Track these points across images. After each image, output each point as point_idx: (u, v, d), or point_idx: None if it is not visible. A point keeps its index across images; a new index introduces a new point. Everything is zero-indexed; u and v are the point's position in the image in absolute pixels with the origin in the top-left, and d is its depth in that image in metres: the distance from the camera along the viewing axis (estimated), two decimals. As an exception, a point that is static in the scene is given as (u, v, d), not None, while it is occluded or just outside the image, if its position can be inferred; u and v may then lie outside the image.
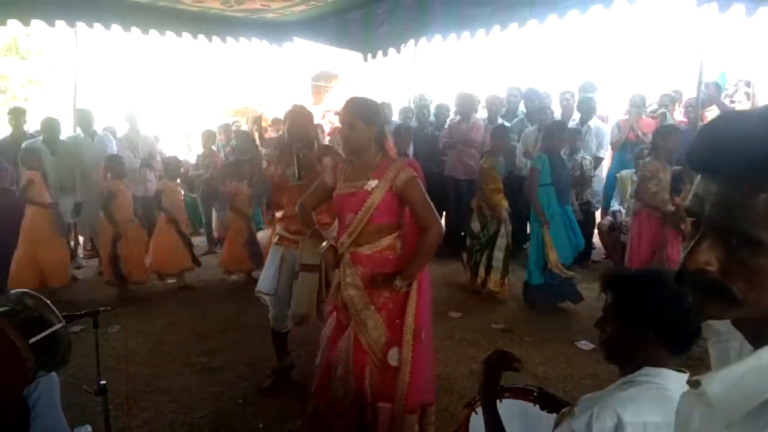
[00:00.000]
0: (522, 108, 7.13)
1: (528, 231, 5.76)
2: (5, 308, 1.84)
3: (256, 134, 7.69)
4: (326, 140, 7.52)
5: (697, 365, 1.16)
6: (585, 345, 4.21)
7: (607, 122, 6.96)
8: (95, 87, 11.78)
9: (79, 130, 6.51)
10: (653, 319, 1.34)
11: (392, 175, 2.46)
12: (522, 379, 2.58)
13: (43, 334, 1.81)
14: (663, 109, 6.69)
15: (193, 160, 8.28)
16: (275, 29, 6.59)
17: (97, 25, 5.66)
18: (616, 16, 5.45)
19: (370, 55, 6.64)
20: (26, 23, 5.40)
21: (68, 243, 6.25)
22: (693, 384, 0.72)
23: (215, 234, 7.93)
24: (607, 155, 6.75)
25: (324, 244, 2.62)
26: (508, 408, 1.66)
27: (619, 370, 1.44)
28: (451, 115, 7.31)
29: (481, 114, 7.24)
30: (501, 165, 5.56)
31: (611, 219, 6.19)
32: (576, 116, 6.52)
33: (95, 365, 2.27)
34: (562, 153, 5.25)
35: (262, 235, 6.60)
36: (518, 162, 6.51)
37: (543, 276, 4.96)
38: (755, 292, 0.68)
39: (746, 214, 0.66)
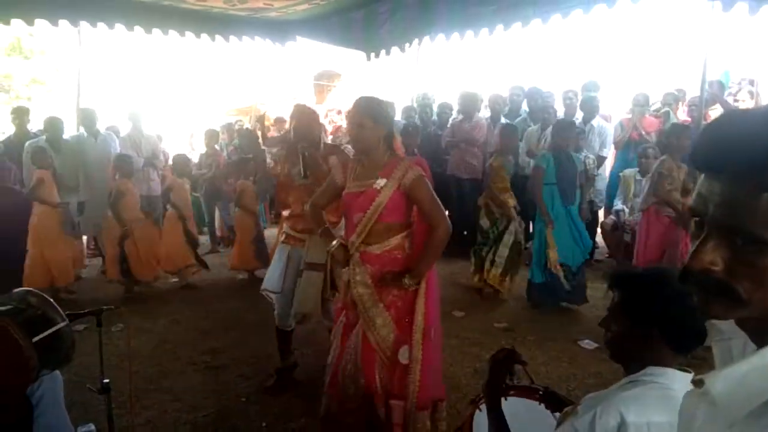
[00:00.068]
0: (525, 107, 7.13)
1: (531, 230, 5.77)
2: (9, 307, 1.83)
3: (259, 133, 7.70)
4: (328, 139, 7.52)
5: (700, 364, 1.15)
6: (588, 344, 4.20)
7: (610, 121, 6.94)
8: (98, 86, 11.82)
9: (82, 130, 6.53)
10: (658, 318, 1.34)
11: (400, 174, 2.48)
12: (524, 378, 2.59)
13: (46, 333, 1.81)
14: (666, 108, 6.68)
15: (196, 159, 8.30)
16: (278, 28, 6.59)
17: (101, 25, 5.67)
18: (620, 15, 5.43)
19: (373, 54, 6.63)
20: (30, 23, 5.41)
21: (82, 241, 6.29)
22: (696, 383, 0.72)
23: (218, 233, 7.94)
24: (610, 154, 6.74)
25: (334, 242, 2.64)
26: (512, 406, 1.65)
27: (624, 370, 1.44)
28: (454, 114, 7.29)
29: (484, 113, 7.24)
30: (510, 164, 5.57)
31: (614, 218, 6.18)
32: (579, 115, 6.51)
33: (99, 364, 2.28)
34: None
35: (269, 234, 6.61)
36: (521, 161, 6.51)
37: (544, 275, 4.96)
38: (760, 291, 0.68)
39: (751, 213, 0.66)
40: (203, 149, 8.08)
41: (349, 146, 3.56)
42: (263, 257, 5.83)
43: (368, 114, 2.50)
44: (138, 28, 5.83)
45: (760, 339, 0.72)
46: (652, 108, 6.80)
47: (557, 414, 1.63)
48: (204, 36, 6.24)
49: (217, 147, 8.12)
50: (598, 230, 6.57)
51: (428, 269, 2.52)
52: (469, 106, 6.79)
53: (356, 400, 2.54)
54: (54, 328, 1.86)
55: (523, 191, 5.90)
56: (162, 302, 5.41)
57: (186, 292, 5.76)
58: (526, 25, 4.97)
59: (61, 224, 5.43)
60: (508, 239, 5.25)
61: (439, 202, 2.54)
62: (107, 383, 2.24)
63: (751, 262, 0.67)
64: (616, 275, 1.49)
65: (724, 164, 0.69)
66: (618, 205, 6.21)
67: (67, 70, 13.45)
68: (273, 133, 8.92)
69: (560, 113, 6.59)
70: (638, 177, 5.95)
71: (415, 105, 7.66)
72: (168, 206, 6.00)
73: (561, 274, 4.88)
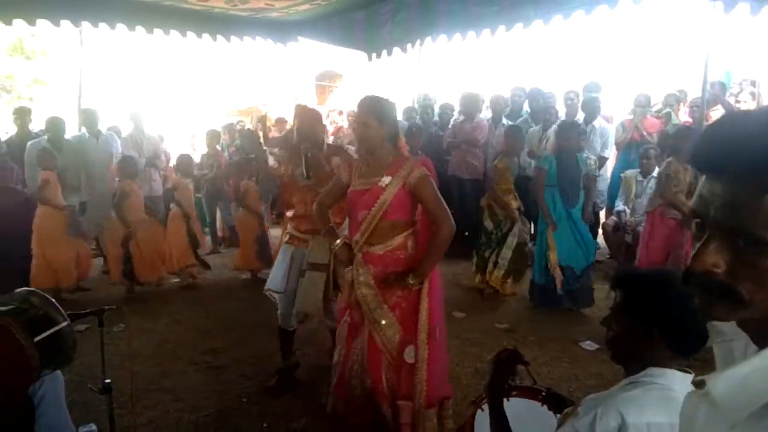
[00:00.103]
0: (526, 108, 7.11)
1: (533, 231, 5.76)
2: (10, 307, 1.84)
3: (261, 133, 7.71)
4: (330, 140, 7.52)
5: (701, 365, 1.15)
6: (589, 345, 4.20)
7: (611, 122, 6.93)
8: (100, 87, 11.84)
9: (84, 130, 6.54)
10: (659, 318, 1.34)
11: (405, 173, 2.51)
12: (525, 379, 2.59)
13: (48, 333, 1.82)
14: (668, 109, 6.67)
15: (197, 160, 8.31)
16: (279, 28, 6.59)
17: (102, 25, 5.66)
18: (621, 16, 5.43)
19: (374, 55, 6.63)
20: (31, 23, 5.41)
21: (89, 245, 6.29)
22: (697, 384, 0.72)
23: (219, 234, 7.95)
24: (611, 155, 6.73)
25: (338, 241, 2.66)
26: (515, 407, 1.65)
27: (624, 370, 1.44)
28: (455, 114, 7.29)
29: (485, 114, 7.23)
30: (515, 165, 5.56)
31: (616, 219, 6.17)
32: (580, 116, 6.50)
33: (100, 364, 2.29)
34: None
35: (273, 234, 6.61)
36: (522, 162, 6.50)
37: (545, 276, 4.95)
38: (762, 293, 0.68)
39: (752, 214, 0.65)
40: (204, 150, 8.08)
41: (351, 147, 3.57)
42: (266, 258, 5.84)
43: (373, 113, 2.52)
44: (139, 29, 5.83)
45: (762, 340, 0.72)
46: (654, 109, 6.79)
47: (559, 415, 1.64)
48: (205, 36, 6.24)
49: (218, 147, 8.12)
50: (600, 231, 6.56)
51: (432, 268, 2.55)
52: (471, 106, 6.79)
53: (362, 401, 2.56)
54: (55, 328, 1.86)
55: (525, 192, 5.90)
56: (163, 302, 5.41)
57: (187, 292, 5.76)
58: (528, 25, 4.96)
59: (65, 226, 5.42)
60: (511, 241, 5.24)
61: (444, 202, 2.56)
62: (108, 383, 2.25)
63: (752, 263, 0.67)
64: (618, 275, 1.50)
65: (725, 165, 0.69)
66: (619, 206, 6.20)
67: (69, 70, 13.49)
68: (274, 133, 8.93)
69: (562, 114, 6.58)
70: (640, 178, 5.95)
71: (416, 105, 7.65)
72: (172, 205, 6.01)
73: (559, 277, 4.86)
